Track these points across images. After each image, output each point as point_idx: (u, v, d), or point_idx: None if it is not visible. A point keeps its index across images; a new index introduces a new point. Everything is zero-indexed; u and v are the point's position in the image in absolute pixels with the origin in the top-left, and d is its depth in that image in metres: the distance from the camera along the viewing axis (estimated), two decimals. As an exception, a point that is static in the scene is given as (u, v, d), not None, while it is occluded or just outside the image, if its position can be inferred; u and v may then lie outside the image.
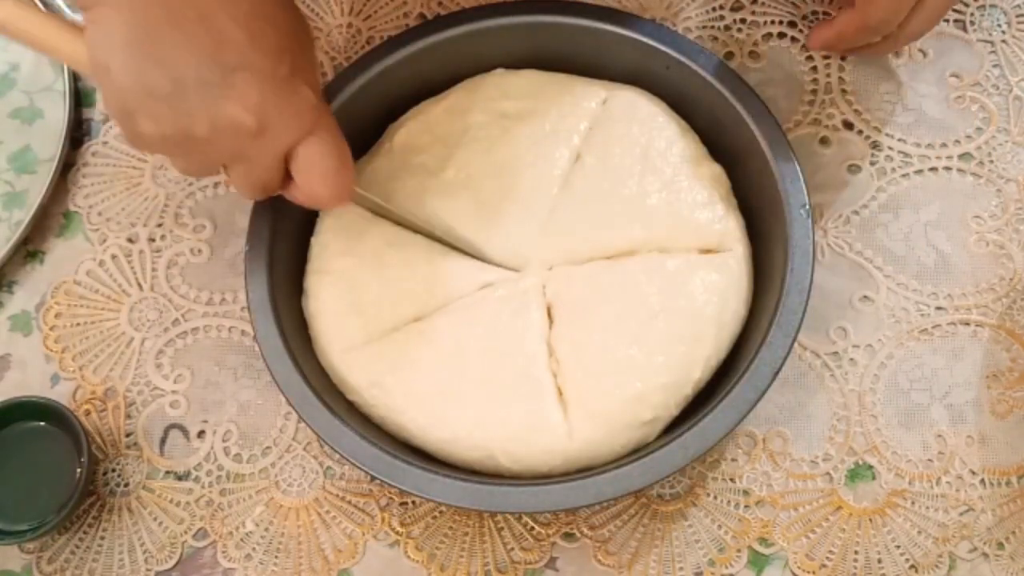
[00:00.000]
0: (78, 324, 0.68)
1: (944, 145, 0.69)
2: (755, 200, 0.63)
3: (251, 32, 0.48)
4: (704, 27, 0.73)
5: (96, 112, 0.74)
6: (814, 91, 0.71)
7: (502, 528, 0.62)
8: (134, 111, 0.49)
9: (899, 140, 0.69)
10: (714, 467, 0.63)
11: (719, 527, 0.62)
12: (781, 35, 0.72)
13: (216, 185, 0.71)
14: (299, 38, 0.52)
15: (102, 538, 0.64)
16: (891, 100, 0.70)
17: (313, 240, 0.64)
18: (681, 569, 0.61)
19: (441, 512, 0.63)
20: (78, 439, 0.62)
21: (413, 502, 0.63)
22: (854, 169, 0.69)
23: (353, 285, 0.61)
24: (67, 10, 0.75)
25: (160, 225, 0.70)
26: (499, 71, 0.67)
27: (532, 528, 0.62)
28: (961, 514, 0.61)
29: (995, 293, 0.65)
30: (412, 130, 0.65)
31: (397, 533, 0.62)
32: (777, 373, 0.55)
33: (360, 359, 0.60)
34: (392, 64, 0.65)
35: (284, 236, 0.62)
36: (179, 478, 0.65)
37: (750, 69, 0.71)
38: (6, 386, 0.67)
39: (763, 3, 0.73)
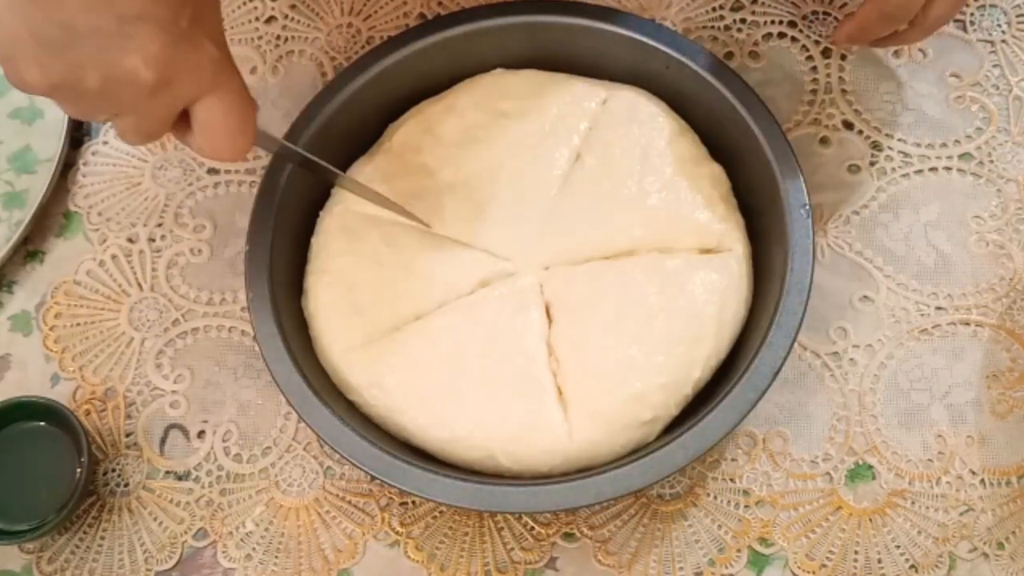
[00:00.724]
0: (78, 324, 0.68)
1: (944, 145, 0.69)
2: (755, 200, 0.63)
3: None
4: (704, 27, 0.73)
5: (96, 112, 0.74)
6: (814, 91, 0.71)
7: (502, 528, 0.62)
8: (17, 57, 0.45)
9: (899, 140, 0.69)
10: (714, 467, 0.63)
11: (719, 527, 0.61)
12: (781, 35, 0.72)
13: (216, 185, 0.71)
14: None
15: (102, 538, 0.64)
16: (891, 100, 0.70)
17: (313, 240, 0.64)
18: (681, 569, 0.61)
19: (441, 512, 0.63)
20: (78, 439, 0.62)
21: (413, 502, 0.63)
22: (854, 169, 0.69)
23: (353, 285, 0.61)
24: None
25: (160, 225, 0.70)
26: (499, 71, 0.67)
27: (532, 528, 0.62)
28: (961, 514, 0.61)
29: (995, 293, 0.65)
30: (411, 130, 0.65)
31: (397, 533, 0.62)
32: (777, 373, 0.55)
33: (360, 359, 0.60)
34: (392, 64, 0.65)
35: (284, 236, 0.62)
36: (179, 478, 0.65)
37: (750, 69, 0.71)
38: (6, 386, 0.67)
39: (763, 3, 0.73)
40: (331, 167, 0.61)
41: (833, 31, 0.68)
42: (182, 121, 0.50)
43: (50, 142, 0.72)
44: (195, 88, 0.48)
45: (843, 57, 0.71)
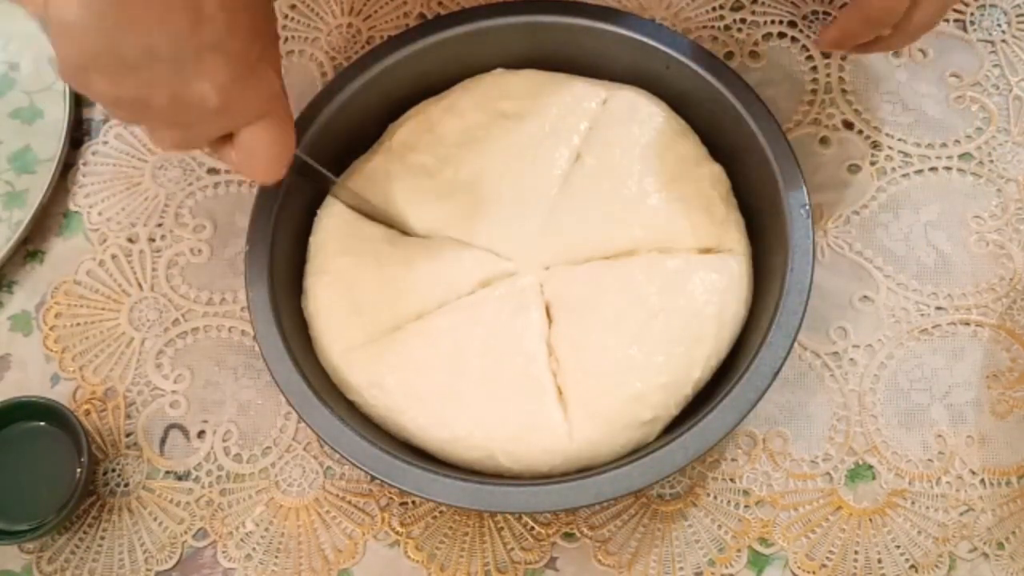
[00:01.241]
0: (78, 324, 0.68)
1: (944, 145, 0.69)
2: (755, 200, 0.63)
3: (229, 11, 0.47)
4: (704, 27, 0.73)
5: (96, 112, 0.74)
6: (814, 91, 0.71)
7: (502, 528, 0.62)
8: (91, 69, 0.47)
9: (899, 140, 0.69)
10: (714, 467, 0.63)
11: (719, 527, 0.62)
12: (781, 35, 0.72)
13: (216, 185, 0.71)
14: (270, 23, 0.52)
15: (102, 538, 0.64)
16: (891, 100, 0.70)
17: (311, 240, 0.64)
18: (681, 569, 0.61)
19: (441, 512, 0.63)
20: (78, 439, 0.62)
21: (413, 502, 0.63)
22: (854, 169, 0.69)
23: (352, 284, 0.61)
24: None
25: (160, 225, 0.70)
26: (499, 71, 0.67)
27: (532, 528, 0.62)
28: (961, 514, 0.61)
29: (995, 293, 0.65)
30: (412, 130, 0.65)
31: (397, 533, 0.62)
32: (777, 373, 0.55)
33: (360, 359, 0.60)
34: (392, 64, 0.65)
35: (284, 236, 0.62)
36: (179, 478, 0.65)
37: (750, 69, 0.71)
38: (6, 386, 0.67)
39: (763, 3, 0.73)
40: (328, 173, 0.61)
41: (817, 35, 0.68)
42: (222, 137, 0.52)
43: (50, 142, 0.72)
44: (252, 114, 0.51)
45: (843, 57, 0.71)
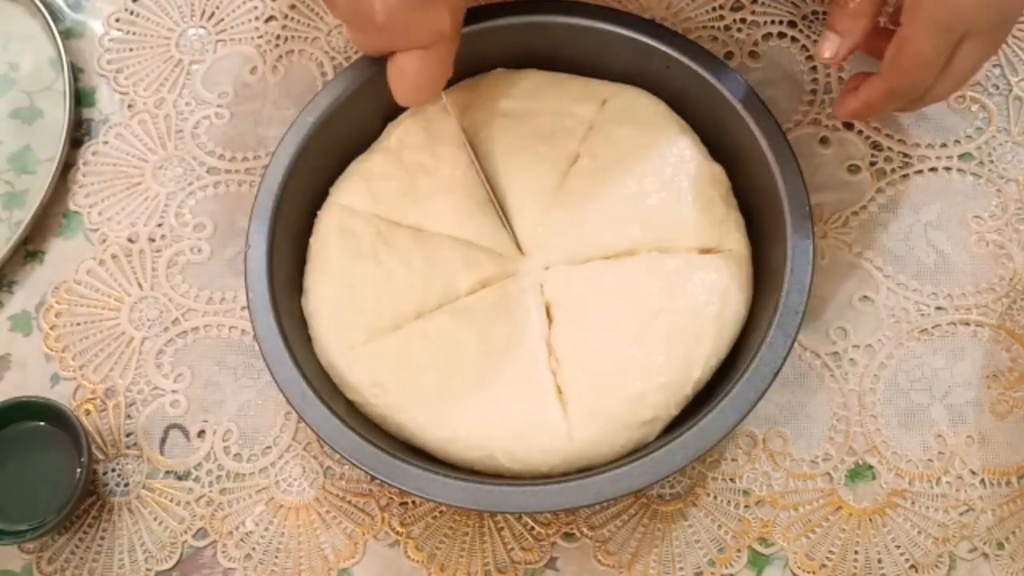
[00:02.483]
0: (78, 324, 0.68)
1: (944, 145, 0.69)
2: (755, 200, 0.63)
3: None
4: (704, 27, 0.73)
5: (96, 112, 0.74)
6: (814, 91, 0.71)
7: (502, 528, 0.62)
8: None
9: (899, 140, 0.69)
10: (714, 467, 0.63)
11: (719, 527, 0.62)
12: (781, 35, 0.72)
13: (216, 185, 0.71)
14: None
15: (102, 538, 0.64)
16: (891, 100, 0.70)
17: (311, 240, 0.64)
18: (681, 569, 0.61)
19: (441, 512, 0.63)
20: (78, 439, 0.62)
21: (413, 502, 0.63)
22: (854, 169, 0.69)
23: (352, 284, 0.61)
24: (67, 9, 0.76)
25: (160, 225, 0.70)
26: (499, 71, 0.67)
27: (532, 528, 0.62)
28: (961, 514, 0.61)
29: (995, 293, 0.65)
30: (410, 129, 0.65)
31: (397, 533, 0.62)
32: (777, 373, 0.55)
33: (361, 358, 0.60)
34: (392, 64, 0.65)
35: (284, 236, 0.62)
36: (179, 478, 0.65)
37: (750, 69, 0.71)
38: (6, 386, 0.67)
39: (763, 3, 0.73)
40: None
41: (833, 105, 0.67)
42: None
43: (50, 142, 0.72)
44: (410, 42, 0.56)
45: (840, 69, 0.71)
